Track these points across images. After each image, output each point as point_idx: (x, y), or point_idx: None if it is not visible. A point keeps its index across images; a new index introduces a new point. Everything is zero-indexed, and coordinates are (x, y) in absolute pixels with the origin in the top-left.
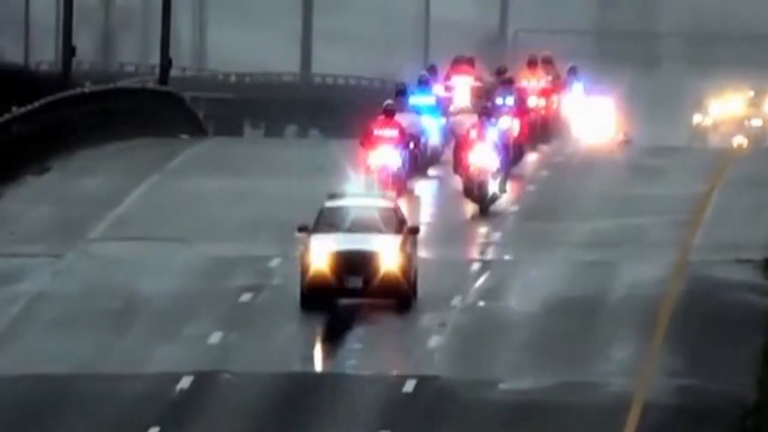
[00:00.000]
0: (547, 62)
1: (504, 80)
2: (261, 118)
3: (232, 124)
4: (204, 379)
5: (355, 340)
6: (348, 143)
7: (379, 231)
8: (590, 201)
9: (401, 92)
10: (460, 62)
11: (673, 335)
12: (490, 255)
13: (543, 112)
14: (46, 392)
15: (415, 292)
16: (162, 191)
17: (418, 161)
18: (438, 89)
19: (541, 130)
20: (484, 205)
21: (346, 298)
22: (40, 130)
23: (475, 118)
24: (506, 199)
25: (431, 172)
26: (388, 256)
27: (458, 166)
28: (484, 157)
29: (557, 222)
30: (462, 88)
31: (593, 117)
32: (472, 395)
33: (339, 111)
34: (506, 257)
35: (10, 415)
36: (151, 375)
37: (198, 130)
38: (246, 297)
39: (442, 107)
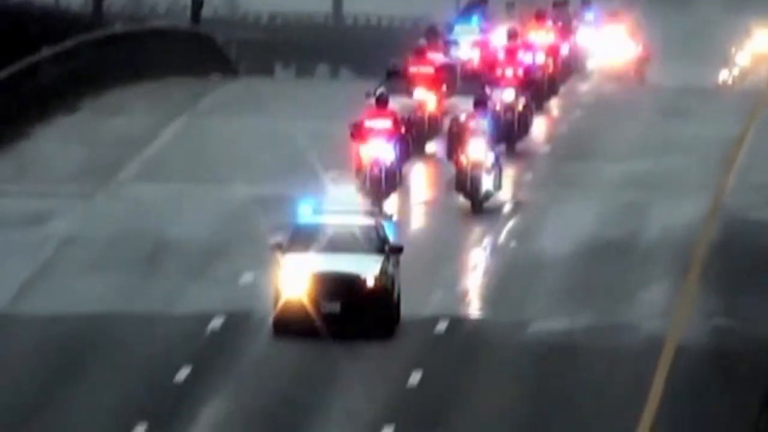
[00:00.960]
0: (560, 5)
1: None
2: (292, 58)
3: (264, 64)
4: (235, 320)
5: None
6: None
7: (359, 251)
8: (623, 142)
9: (431, 33)
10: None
11: (707, 277)
12: (521, 196)
13: (550, 69)
14: (79, 332)
15: (397, 317)
16: (193, 132)
17: (410, 148)
18: (436, 56)
19: (548, 87)
20: (477, 201)
21: (322, 325)
22: (71, 71)
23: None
24: (538, 139)
25: (429, 147)
26: (369, 279)
27: (451, 156)
28: (478, 151)
29: (590, 163)
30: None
31: (608, 45)
32: (503, 336)
33: (370, 51)
34: (538, 198)
35: (44, 355)
36: (183, 316)
37: (229, 71)
38: (277, 237)
39: (439, 76)
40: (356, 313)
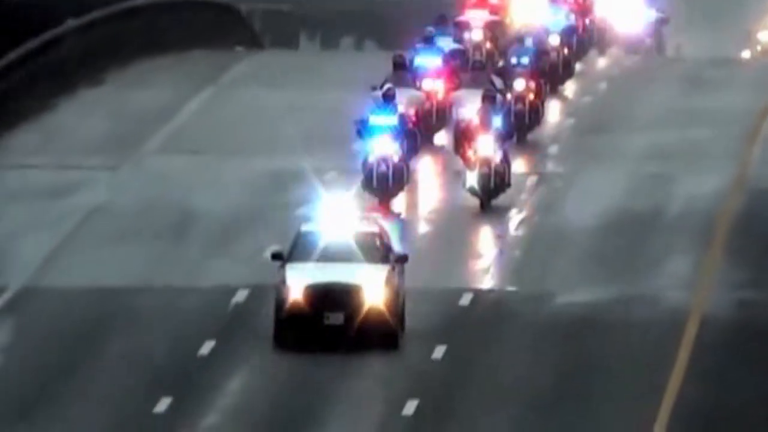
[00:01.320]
0: None
1: (520, 37)
2: (317, 30)
3: (288, 36)
4: (259, 294)
5: (413, 253)
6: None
7: (363, 260)
8: (648, 114)
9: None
10: None
11: (731, 249)
12: (546, 168)
13: (565, 52)
14: (104, 305)
15: (402, 327)
16: (217, 104)
17: (418, 143)
18: (446, 42)
19: (563, 70)
20: (487, 199)
21: (326, 337)
22: (94, 43)
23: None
24: (562, 112)
25: (438, 140)
26: (372, 289)
27: (460, 153)
28: (487, 148)
29: (614, 135)
30: (476, 23)
31: (625, 10)
32: (527, 309)
33: (395, 23)
34: (563, 170)
35: (68, 327)
36: (207, 288)
37: (254, 43)
38: (303, 210)
39: (447, 66)
40: (360, 325)
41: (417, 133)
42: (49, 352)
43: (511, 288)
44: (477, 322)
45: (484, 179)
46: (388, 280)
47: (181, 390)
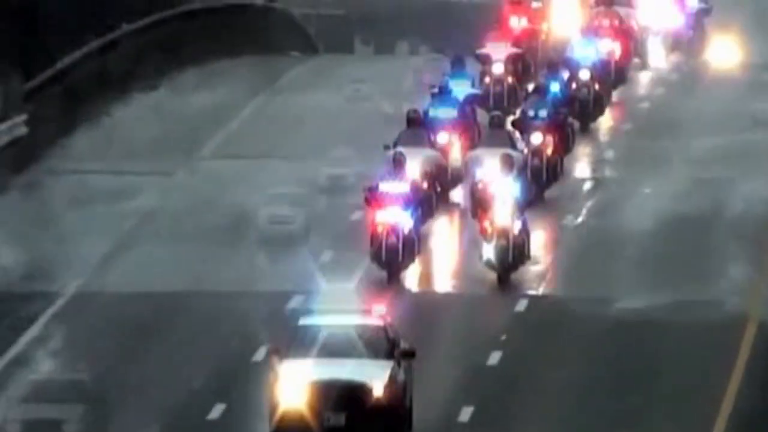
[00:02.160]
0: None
1: (551, 64)
2: (371, 34)
3: (343, 40)
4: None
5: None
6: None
7: (366, 356)
8: (706, 118)
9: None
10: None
11: None
12: (602, 173)
13: (596, 87)
14: (159, 309)
15: (410, 427)
16: (272, 109)
17: (434, 206)
18: (462, 87)
19: (595, 107)
20: (505, 272)
21: None
22: (149, 47)
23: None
24: (619, 116)
25: (455, 196)
26: (376, 387)
27: (476, 217)
28: (504, 218)
29: (671, 139)
30: (498, 56)
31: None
32: (585, 314)
33: (450, 28)
34: (618, 175)
35: (123, 331)
36: (262, 293)
37: (308, 47)
38: (357, 215)
39: (464, 118)
40: (363, 426)
41: (432, 196)
42: (103, 357)
43: (566, 294)
44: (533, 329)
45: (501, 252)
46: (393, 377)
47: (235, 397)
